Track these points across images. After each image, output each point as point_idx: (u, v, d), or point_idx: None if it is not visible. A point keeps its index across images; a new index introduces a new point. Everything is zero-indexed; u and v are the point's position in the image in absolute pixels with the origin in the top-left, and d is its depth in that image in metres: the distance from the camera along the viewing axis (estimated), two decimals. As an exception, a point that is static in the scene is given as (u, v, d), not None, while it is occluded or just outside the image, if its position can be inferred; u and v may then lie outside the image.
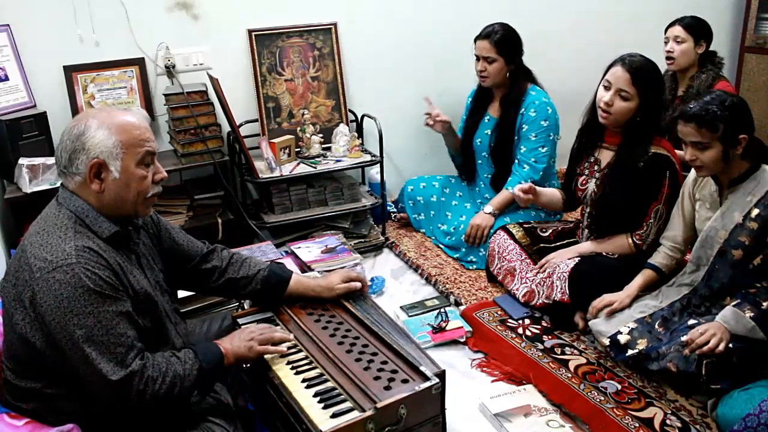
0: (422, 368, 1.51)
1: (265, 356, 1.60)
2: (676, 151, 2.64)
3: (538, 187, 2.47)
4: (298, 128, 3.07)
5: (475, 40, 2.89)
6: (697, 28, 2.87)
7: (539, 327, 2.37)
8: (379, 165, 3.07)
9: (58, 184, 1.68)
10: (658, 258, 2.22)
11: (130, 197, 1.46)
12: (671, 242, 2.21)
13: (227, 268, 1.79)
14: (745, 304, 1.89)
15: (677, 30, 2.88)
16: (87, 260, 1.34)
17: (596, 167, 2.41)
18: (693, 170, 2.12)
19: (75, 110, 2.73)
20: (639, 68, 2.19)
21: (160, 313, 1.53)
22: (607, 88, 2.24)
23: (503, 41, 2.81)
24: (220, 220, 2.82)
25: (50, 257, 1.33)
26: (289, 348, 1.64)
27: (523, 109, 2.86)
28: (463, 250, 2.93)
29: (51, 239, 1.37)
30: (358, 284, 1.88)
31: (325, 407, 1.43)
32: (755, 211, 1.91)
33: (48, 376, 1.40)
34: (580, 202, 2.54)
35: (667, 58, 2.92)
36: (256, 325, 1.70)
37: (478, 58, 2.88)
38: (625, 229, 2.34)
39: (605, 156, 2.38)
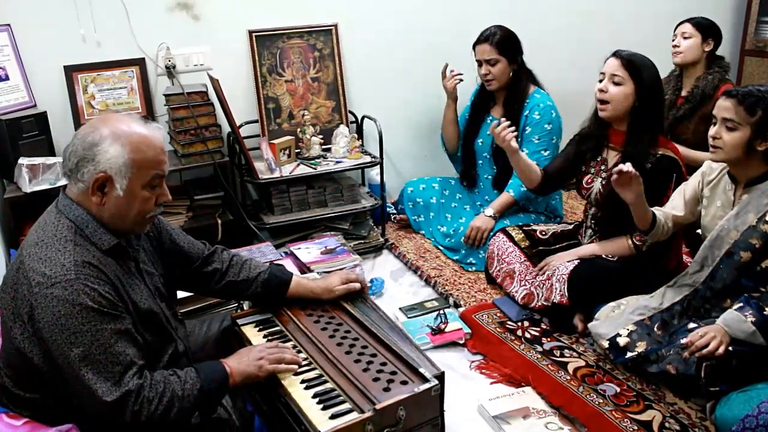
0: (421, 370, 1.51)
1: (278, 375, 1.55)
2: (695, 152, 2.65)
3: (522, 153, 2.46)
4: (298, 129, 3.07)
5: (474, 46, 2.89)
6: (705, 27, 2.89)
7: (538, 329, 2.37)
8: (379, 166, 3.07)
9: (58, 185, 1.66)
10: (656, 211, 2.18)
11: (129, 216, 1.42)
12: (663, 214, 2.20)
13: (228, 270, 1.78)
14: (747, 308, 1.88)
15: (686, 26, 2.91)
16: (86, 276, 1.32)
17: (603, 167, 2.41)
18: (705, 163, 2.12)
19: (75, 110, 2.73)
20: (630, 55, 2.26)
21: (161, 322, 1.51)
22: (601, 80, 2.30)
23: (503, 41, 2.82)
24: (219, 221, 2.82)
25: (49, 272, 1.30)
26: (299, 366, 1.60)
27: (527, 111, 2.87)
28: (463, 251, 2.93)
29: (50, 252, 1.33)
30: (358, 285, 1.87)
31: (324, 408, 1.43)
32: None
33: (45, 389, 1.39)
34: (570, 199, 2.56)
35: (674, 52, 2.94)
36: (266, 343, 1.66)
37: (480, 63, 2.88)
38: (627, 229, 2.34)
39: (612, 156, 2.39)
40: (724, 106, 1.92)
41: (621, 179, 2.04)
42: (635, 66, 2.23)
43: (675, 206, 2.20)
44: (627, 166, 2.02)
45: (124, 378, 1.31)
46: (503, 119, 2.40)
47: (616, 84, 2.25)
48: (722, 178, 2.06)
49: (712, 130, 1.96)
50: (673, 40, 2.95)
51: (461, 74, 3.02)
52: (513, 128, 2.36)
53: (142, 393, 1.32)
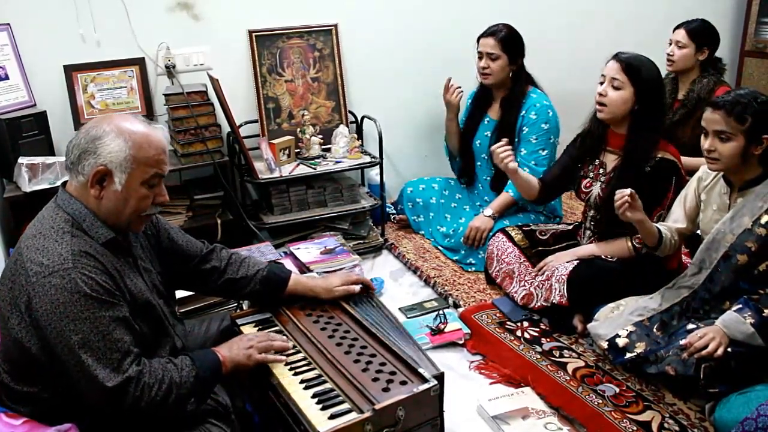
0: (421, 370, 1.51)
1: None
2: (691, 159, 2.64)
3: (520, 170, 2.47)
4: (298, 129, 3.07)
5: (479, 39, 2.90)
6: (701, 35, 2.86)
7: (538, 329, 2.37)
8: (378, 166, 3.07)
9: (58, 184, 1.65)
10: (661, 227, 2.19)
11: (126, 212, 1.44)
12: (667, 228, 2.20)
13: (226, 268, 1.78)
14: (746, 310, 1.88)
15: (681, 34, 2.88)
16: (84, 265, 1.33)
17: (601, 170, 2.41)
18: (701, 168, 2.12)
19: (75, 110, 2.73)
20: (630, 58, 2.25)
21: (158, 316, 1.52)
22: (602, 83, 2.30)
23: (508, 39, 2.83)
24: (219, 221, 2.82)
25: (47, 261, 1.32)
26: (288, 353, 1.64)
27: (523, 111, 2.87)
28: (462, 252, 2.94)
29: (47, 243, 1.35)
30: (357, 288, 1.87)
31: (324, 408, 1.44)
32: (765, 218, 1.90)
33: (44, 381, 1.39)
34: (569, 203, 2.56)
35: (668, 60, 2.93)
36: (256, 333, 1.69)
37: (481, 56, 2.89)
38: (626, 232, 2.34)
39: (610, 159, 2.39)
40: (713, 119, 1.92)
41: (629, 205, 2.05)
42: (635, 70, 2.22)
43: (677, 218, 2.20)
44: (624, 192, 2.04)
45: (122, 365, 1.33)
46: (504, 140, 2.40)
47: (615, 88, 2.24)
48: (718, 182, 2.06)
49: (705, 143, 1.95)
50: (669, 45, 2.93)
51: (461, 88, 3.01)
52: (510, 149, 2.37)
53: (142, 379, 1.34)
